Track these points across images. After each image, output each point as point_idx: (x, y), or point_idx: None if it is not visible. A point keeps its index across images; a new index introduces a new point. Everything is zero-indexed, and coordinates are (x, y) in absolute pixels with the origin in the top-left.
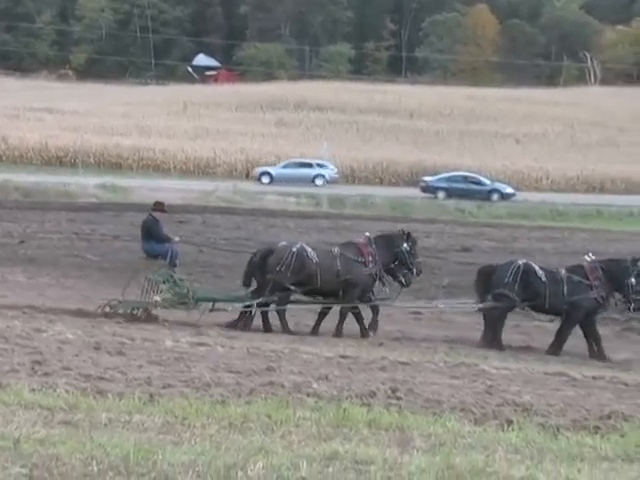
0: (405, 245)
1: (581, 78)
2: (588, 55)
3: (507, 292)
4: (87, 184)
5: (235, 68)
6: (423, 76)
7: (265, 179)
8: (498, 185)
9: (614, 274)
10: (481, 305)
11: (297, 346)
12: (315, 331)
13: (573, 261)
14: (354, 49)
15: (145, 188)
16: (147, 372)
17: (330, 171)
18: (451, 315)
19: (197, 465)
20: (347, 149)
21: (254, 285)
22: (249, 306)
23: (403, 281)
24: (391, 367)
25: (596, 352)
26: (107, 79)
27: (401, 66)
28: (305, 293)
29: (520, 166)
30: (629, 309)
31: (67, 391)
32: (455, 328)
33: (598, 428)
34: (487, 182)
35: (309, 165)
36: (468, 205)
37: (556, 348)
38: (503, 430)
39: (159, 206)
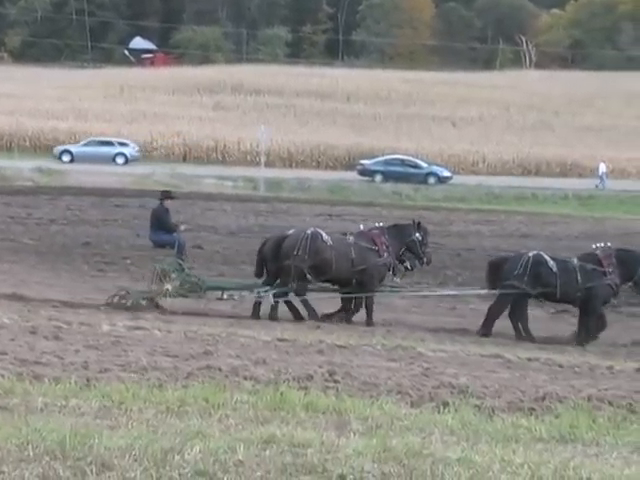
0: (417, 235)
1: (517, 61)
2: (524, 39)
3: (516, 283)
4: (23, 167)
5: (172, 51)
6: (360, 59)
7: (65, 157)
8: (435, 168)
9: (627, 262)
10: (496, 291)
11: (235, 330)
12: (330, 319)
13: (509, 243)
14: (291, 32)
15: (81, 172)
16: (84, 356)
17: (132, 149)
18: (390, 299)
19: (134, 449)
20: (284, 133)
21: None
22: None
23: (409, 266)
24: (328, 350)
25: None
26: (43, 62)
27: (338, 49)
28: (321, 282)
29: (457, 149)
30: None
31: (3, 376)
32: (392, 311)
33: (533, 409)
34: (424, 165)
35: (110, 144)
36: (405, 188)
37: (583, 338)
38: (439, 412)
39: (167, 194)
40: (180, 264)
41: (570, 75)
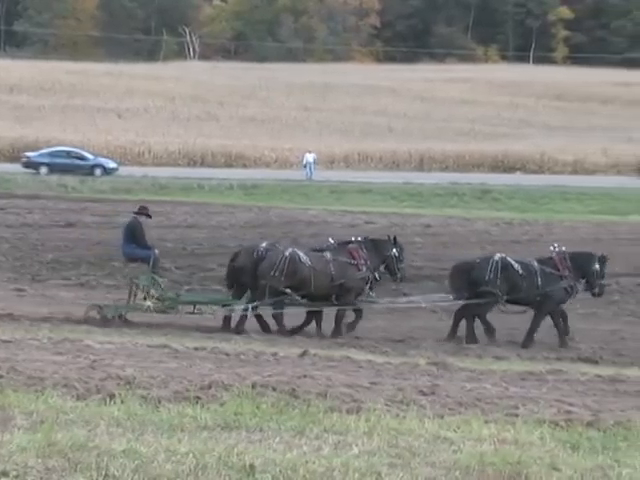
0: (394, 250)
1: (181, 53)
2: (187, 30)
3: (491, 289)
4: None
5: None
6: (23, 50)
7: None
8: (101, 160)
9: (580, 263)
10: (467, 301)
11: None
12: (319, 333)
13: (176, 233)
14: None
15: None
16: None
17: None
18: (55, 291)
19: None
20: None
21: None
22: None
23: (377, 277)
24: None
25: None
26: None
27: (0, 40)
28: (300, 297)
29: (122, 141)
30: (593, 294)
31: None
32: (59, 304)
33: (199, 398)
34: (90, 157)
35: None
36: (71, 180)
37: (529, 339)
38: (105, 404)
39: (144, 210)
40: (155, 279)
41: (233, 66)
